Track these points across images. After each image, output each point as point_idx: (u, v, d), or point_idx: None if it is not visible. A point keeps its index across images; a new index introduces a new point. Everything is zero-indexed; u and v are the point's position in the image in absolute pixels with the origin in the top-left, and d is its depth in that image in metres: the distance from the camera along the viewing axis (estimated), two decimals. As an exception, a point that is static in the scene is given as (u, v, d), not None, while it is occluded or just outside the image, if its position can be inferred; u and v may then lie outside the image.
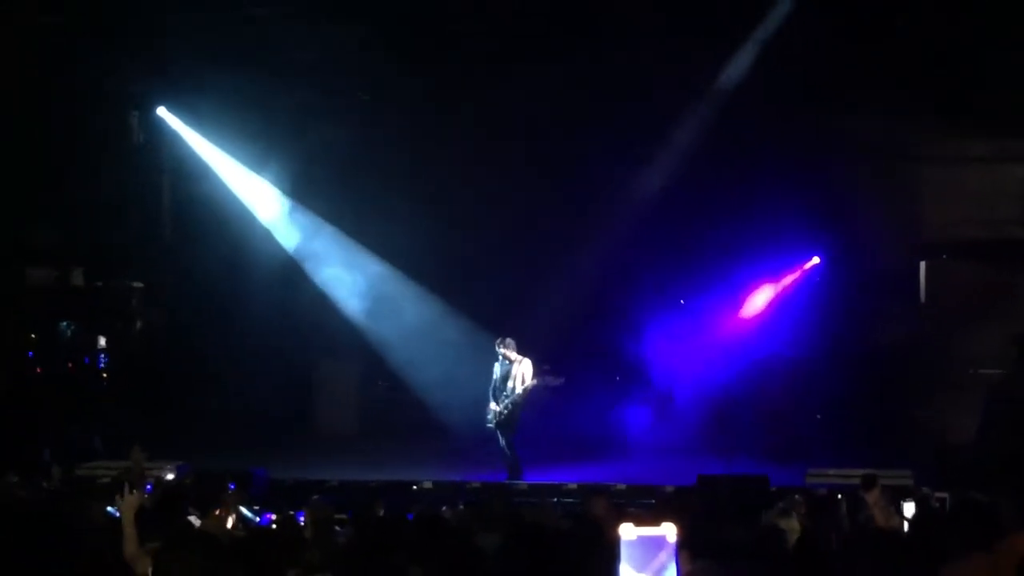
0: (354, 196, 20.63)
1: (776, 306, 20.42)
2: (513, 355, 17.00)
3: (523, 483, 16.67)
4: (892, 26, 18.28)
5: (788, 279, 20.50)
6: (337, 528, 9.43)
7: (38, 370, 20.22)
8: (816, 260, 20.40)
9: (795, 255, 20.34)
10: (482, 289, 20.13)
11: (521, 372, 16.92)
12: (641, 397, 19.98)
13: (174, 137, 21.48)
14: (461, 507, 11.27)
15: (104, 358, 21.06)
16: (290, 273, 21.40)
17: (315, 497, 11.46)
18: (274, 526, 9.24)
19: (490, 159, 20.20)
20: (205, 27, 19.13)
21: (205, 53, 19.51)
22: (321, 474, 16.96)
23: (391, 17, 18.92)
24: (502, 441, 17.09)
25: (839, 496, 11.56)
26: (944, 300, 19.56)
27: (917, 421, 18.76)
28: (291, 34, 19.33)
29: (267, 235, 21.58)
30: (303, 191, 21.40)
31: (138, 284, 21.92)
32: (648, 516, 3.60)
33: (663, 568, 3.56)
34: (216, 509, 9.55)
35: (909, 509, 10.88)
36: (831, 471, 16.05)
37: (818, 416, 19.40)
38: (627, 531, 3.60)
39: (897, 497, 11.37)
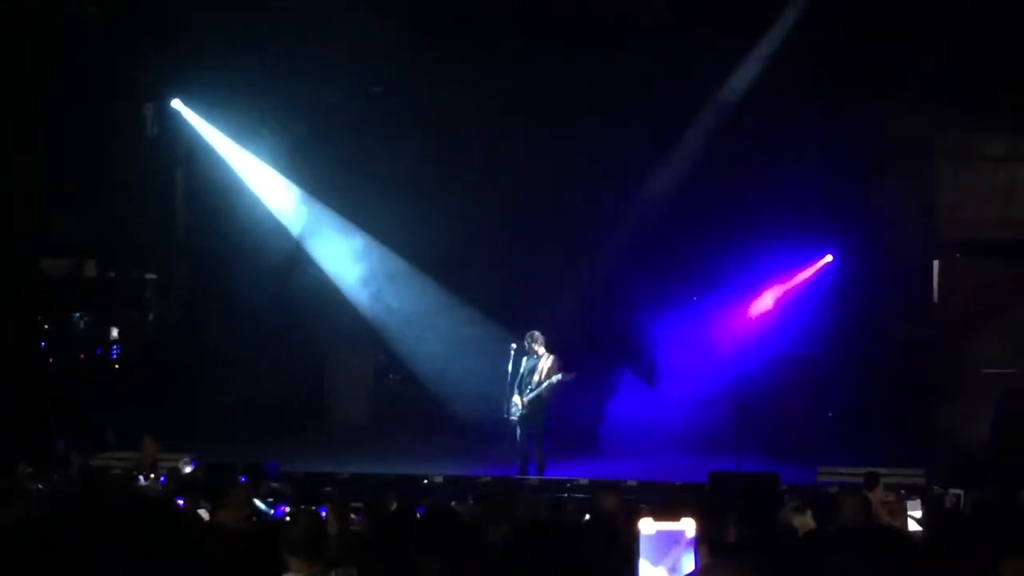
0: (367, 189, 20.59)
1: (788, 304, 20.40)
2: (541, 349, 17.07)
3: (534, 478, 16.69)
4: (909, 23, 18.25)
5: (801, 276, 20.48)
6: (352, 516, 9.44)
7: (51, 361, 20.26)
8: (829, 258, 20.37)
9: (808, 253, 20.31)
10: (496, 283, 20.13)
11: (546, 367, 16.99)
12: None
13: (188, 129, 21.48)
14: (471, 501, 11.28)
15: (117, 349, 21.11)
16: (303, 265, 21.40)
17: (328, 488, 11.50)
18: (287, 519, 9.25)
19: (505, 153, 20.19)
20: (220, 19, 19.18)
21: (220, 45, 19.56)
22: (333, 467, 17.01)
23: (405, 10, 18.96)
24: (520, 435, 17.12)
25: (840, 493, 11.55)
26: (957, 299, 19.52)
27: (929, 420, 18.73)
28: (305, 26, 19.36)
29: (280, 227, 21.58)
30: (316, 183, 21.40)
31: (151, 276, 21.97)
32: (667, 511, 3.59)
33: (679, 561, 3.57)
34: (229, 501, 9.55)
35: (915, 508, 10.89)
36: (842, 469, 16.07)
37: (830, 414, 19.38)
38: (647, 526, 3.61)
39: (906, 496, 11.38)
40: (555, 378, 16.99)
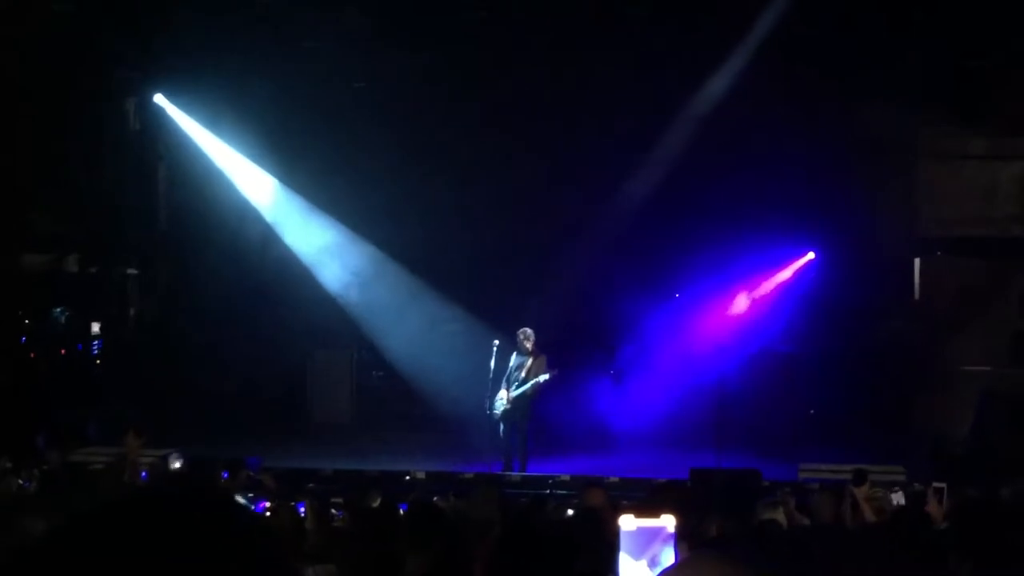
0: (351, 186, 20.59)
1: (769, 301, 20.45)
2: (531, 347, 17.12)
3: (516, 475, 16.72)
4: (891, 22, 18.30)
5: (783, 274, 20.53)
6: (333, 512, 9.44)
7: (32, 355, 20.21)
8: (811, 255, 20.42)
9: (790, 250, 20.37)
10: (479, 280, 20.15)
11: (535, 365, 17.04)
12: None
13: (171, 124, 21.44)
14: (452, 497, 11.30)
15: (98, 344, 21.06)
16: (285, 261, 21.38)
17: (311, 486, 11.50)
18: (268, 514, 9.24)
19: (488, 150, 20.19)
20: (203, 14, 19.14)
21: (203, 41, 19.54)
22: (315, 463, 17.01)
23: (390, 6, 18.96)
24: (503, 431, 17.17)
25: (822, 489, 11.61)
26: (938, 297, 19.59)
27: (910, 417, 18.80)
28: (289, 21, 19.34)
29: (263, 223, 21.56)
30: (299, 180, 21.38)
31: (133, 271, 21.93)
32: (648, 508, 3.61)
33: (659, 555, 3.58)
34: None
35: (899, 499, 10.95)
36: (824, 466, 16.11)
37: (811, 411, 19.44)
38: (627, 522, 3.63)
39: (889, 489, 11.44)
40: (542, 377, 17.04)
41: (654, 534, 3.62)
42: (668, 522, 3.63)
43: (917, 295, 19.91)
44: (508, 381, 17.17)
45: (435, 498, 11.04)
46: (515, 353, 17.27)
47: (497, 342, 17.29)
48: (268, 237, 21.48)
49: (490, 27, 19.22)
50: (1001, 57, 18.29)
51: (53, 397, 19.49)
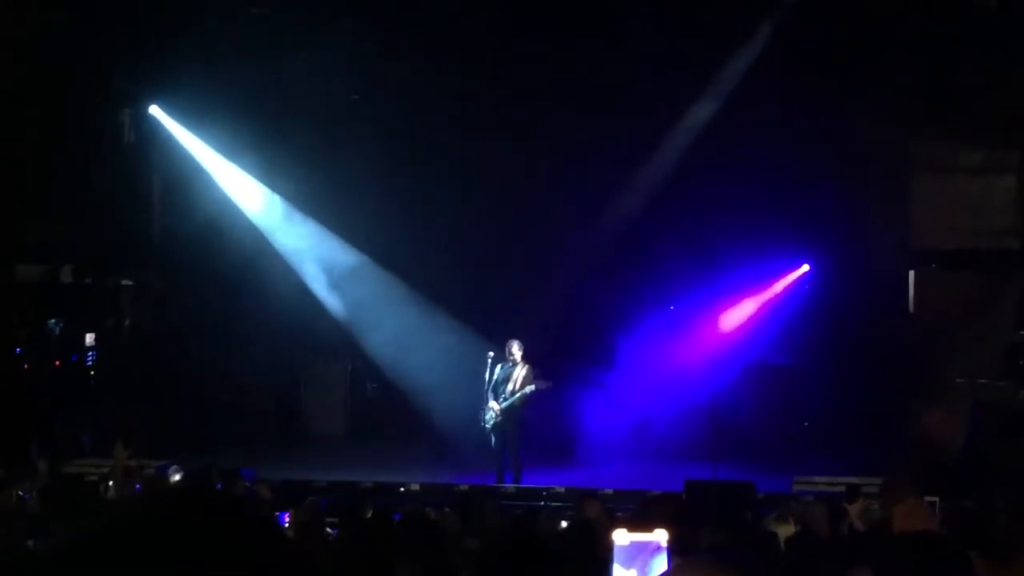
0: (346, 197, 20.60)
1: (764, 314, 20.47)
2: (519, 359, 17.11)
3: (511, 486, 16.71)
4: (885, 34, 18.35)
5: (777, 286, 20.54)
6: (328, 531, 9.43)
7: (26, 366, 20.17)
8: (806, 268, 20.44)
9: (785, 263, 20.39)
10: (474, 291, 20.16)
11: (522, 376, 17.04)
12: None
13: (166, 135, 21.44)
14: (447, 509, 11.28)
15: (92, 355, 21.03)
16: (280, 272, 21.36)
17: (311, 499, 11.48)
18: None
19: (483, 161, 20.22)
20: (199, 26, 19.16)
21: (199, 52, 19.56)
22: (309, 474, 16.99)
23: (384, 16, 18.99)
24: (495, 443, 17.16)
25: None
26: (933, 309, 19.59)
27: (905, 429, 18.79)
28: (284, 33, 19.37)
29: (257, 234, 21.55)
30: (293, 190, 21.38)
31: (127, 282, 21.90)
32: (642, 522, 3.63)
33: (650, 564, 3.60)
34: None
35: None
36: (818, 478, 16.12)
37: (805, 424, 19.43)
38: (620, 536, 3.64)
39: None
40: (528, 389, 17.05)
41: (647, 548, 3.64)
42: (661, 536, 3.64)
43: (911, 307, 19.91)
44: (496, 393, 17.17)
45: (427, 509, 11.03)
46: (500, 365, 17.26)
47: (492, 353, 17.31)
48: (262, 248, 21.45)
49: (485, 35, 19.25)
50: (993, 69, 18.31)
51: (47, 408, 19.44)
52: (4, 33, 18.78)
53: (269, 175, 21.26)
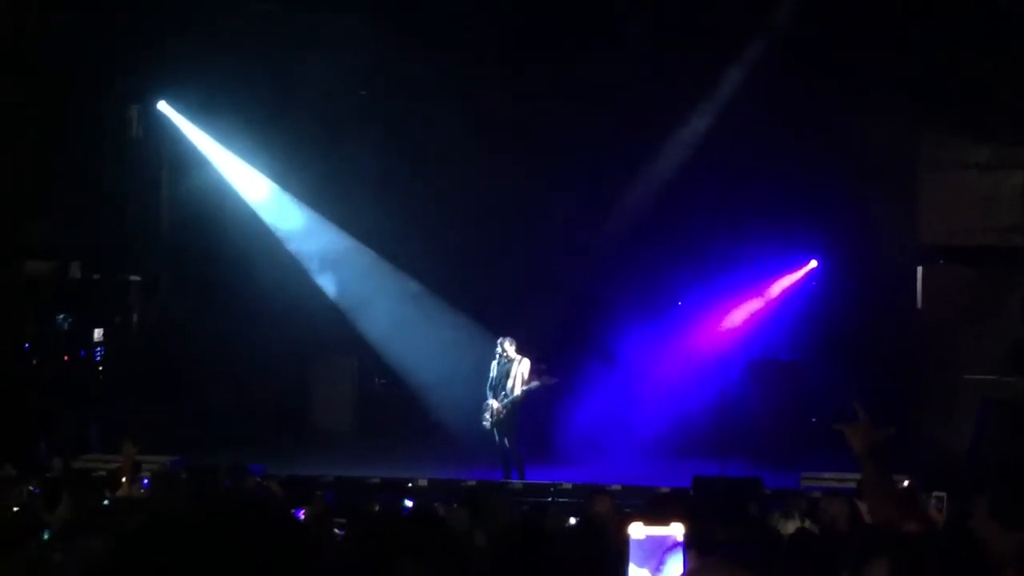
0: (353, 192, 20.61)
1: (772, 310, 20.47)
2: (513, 354, 17.06)
3: (518, 482, 16.71)
4: (892, 30, 18.32)
5: (785, 282, 20.53)
6: (336, 531, 9.42)
7: (34, 362, 20.20)
8: (814, 264, 20.44)
9: (793, 259, 20.37)
10: (480, 287, 20.17)
11: (520, 372, 16.99)
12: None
13: (174, 131, 21.45)
14: (455, 505, 11.28)
15: (100, 351, 21.05)
16: (288, 268, 21.38)
17: (319, 493, 11.48)
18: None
19: (490, 157, 20.21)
20: (207, 21, 19.18)
21: (206, 48, 19.56)
22: (317, 470, 16.99)
23: (391, 13, 19.00)
24: (498, 440, 17.16)
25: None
26: (941, 305, 19.55)
27: (913, 426, 18.76)
28: (291, 29, 19.37)
29: (265, 230, 21.56)
30: (301, 186, 21.39)
31: (135, 278, 21.90)
32: (656, 515, 3.61)
33: (665, 562, 3.58)
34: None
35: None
36: (826, 474, 16.10)
37: (813, 420, 19.41)
38: (636, 530, 3.62)
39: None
40: (533, 384, 17.01)
41: (663, 543, 3.61)
42: (677, 530, 3.62)
43: (919, 303, 19.87)
44: (495, 391, 17.14)
45: (436, 504, 11.03)
46: (495, 362, 17.22)
47: (499, 349, 17.30)
48: (270, 244, 21.47)
49: (490, 32, 19.26)
50: (1002, 65, 18.28)
51: (55, 404, 19.47)
52: (12, 31, 18.80)
53: (277, 171, 21.27)
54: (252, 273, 20.71)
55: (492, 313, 19.38)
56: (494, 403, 17.05)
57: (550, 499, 15.16)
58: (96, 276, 21.30)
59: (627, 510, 8.97)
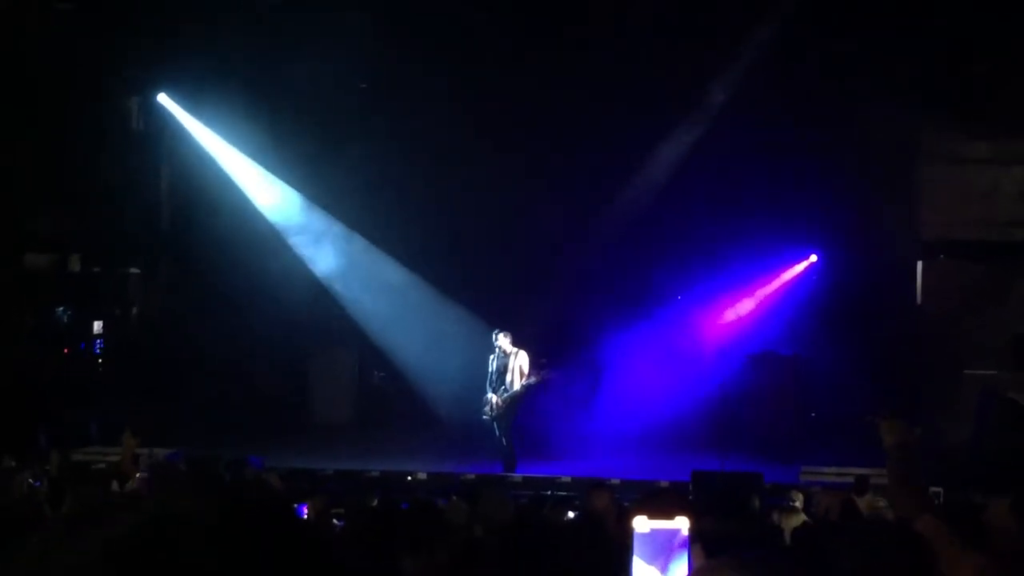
0: (352, 185, 20.59)
1: (772, 304, 20.47)
2: (509, 347, 17.05)
3: (517, 476, 16.71)
4: (894, 25, 18.32)
5: (786, 277, 20.54)
6: (335, 521, 9.42)
7: (34, 355, 20.19)
8: (814, 258, 20.44)
9: (793, 253, 20.38)
10: (479, 281, 20.15)
11: (518, 365, 16.99)
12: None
13: (174, 124, 21.45)
14: (454, 498, 11.27)
15: (100, 344, 21.05)
16: (287, 261, 21.37)
17: (306, 487, 11.48)
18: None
19: (489, 150, 20.19)
20: (207, 14, 19.17)
21: (206, 41, 19.57)
22: (316, 463, 17.00)
23: (391, 7, 19.00)
24: (498, 433, 17.16)
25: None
26: (941, 300, 19.57)
27: (913, 420, 18.73)
28: (292, 22, 19.35)
29: (265, 223, 21.56)
30: (300, 179, 21.40)
31: (135, 271, 21.92)
32: (660, 510, 3.58)
33: (672, 560, 3.55)
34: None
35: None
36: (826, 469, 16.12)
37: (813, 414, 19.41)
38: (641, 524, 3.59)
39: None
40: (531, 380, 17.00)
41: (668, 537, 3.58)
42: (682, 524, 3.59)
43: (919, 298, 19.89)
44: (493, 385, 17.13)
45: (440, 500, 11.02)
46: (493, 356, 17.22)
47: (496, 342, 17.30)
48: (270, 236, 21.47)
49: (490, 29, 19.26)
50: (1003, 60, 18.28)
51: (55, 396, 19.47)
52: (12, 23, 18.79)
53: (276, 163, 21.28)
54: (252, 266, 20.71)
55: (491, 307, 19.37)
56: (493, 397, 17.05)
57: (549, 492, 15.14)
58: (96, 269, 21.32)
59: (626, 504, 8.96)
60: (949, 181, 19.68)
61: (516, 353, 17.08)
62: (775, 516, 9.31)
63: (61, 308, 20.73)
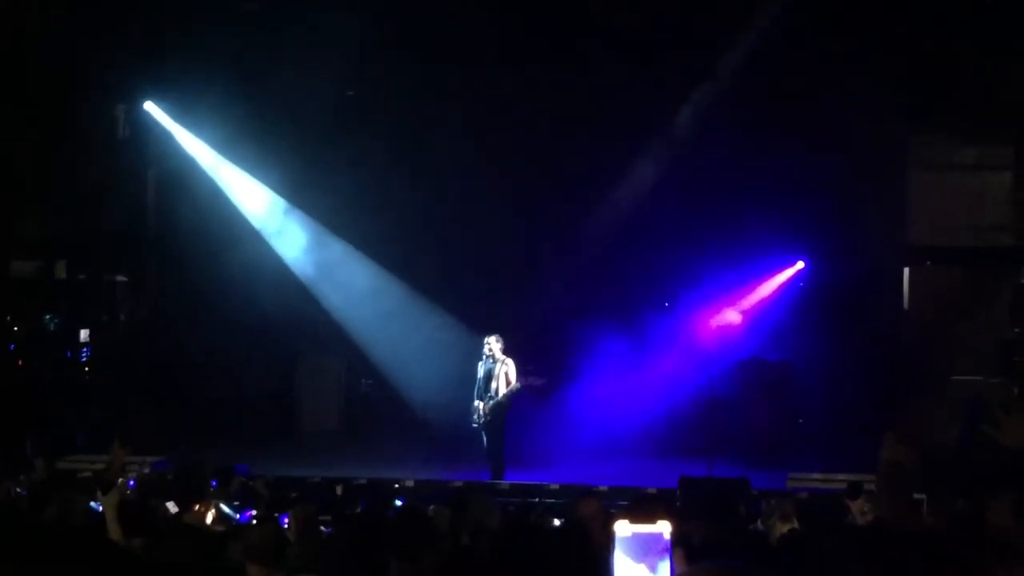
0: (339, 192, 20.56)
1: (759, 311, 20.48)
2: (499, 354, 17.03)
3: (505, 483, 16.69)
4: (880, 30, 18.35)
5: (773, 283, 20.54)
6: (323, 528, 9.40)
7: (20, 362, 20.13)
8: (800, 264, 20.45)
9: (780, 259, 20.39)
10: (469, 288, 20.14)
11: (504, 372, 16.97)
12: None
13: (160, 130, 21.42)
14: (433, 507, 11.25)
15: (87, 351, 20.99)
16: (274, 269, 21.34)
17: (293, 495, 11.45)
18: (254, 522, 9.20)
19: (476, 158, 20.19)
20: (193, 21, 19.15)
21: (193, 47, 19.55)
22: (303, 471, 16.97)
23: (377, 12, 19.00)
24: (485, 441, 17.14)
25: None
26: (928, 306, 19.59)
27: (899, 426, 18.75)
28: (277, 29, 19.35)
29: (252, 230, 21.53)
30: (287, 186, 21.37)
31: (122, 277, 21.87)
32: (642, 514, 3.59)
33: (656, 565, 3.56)
34: (196, 504, 9.53)
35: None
36: (812, 475, 16.14)
37: (800, 420, 19.43)
38: (622, 528, 3.59)
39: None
40: (515, 387, 16.98)
41: (650, 541, 3.59)
42: (664, 528, 3.59)
43: (906, 304, 19.91)
44: (480, 392, 17.12)
45: (431, 507, 11.00)
46: (481, 363, 17.21)
47: (486, 348, 17.28)
48: (256, 243, 21.44)
49: (475, 36, 19.27)
50: (990, 66, 18.32)
51: (42, 403, 19.41)
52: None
53: (263, 170, 21.25)
54: (238, 273, 20.68)
55: (479, 314, 19.35)
56: (480, 404, 17.04)
57: (537, 500, 15.14)
58: (82, 276, 21.25)
59: (613, 511, 8.96)
60: (936, 187, 19.71)
61: (504, 360, 17.06)
62: (760, 523, 9.31)
63: (48, 315, 20.66)
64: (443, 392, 19.21)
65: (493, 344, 17.08)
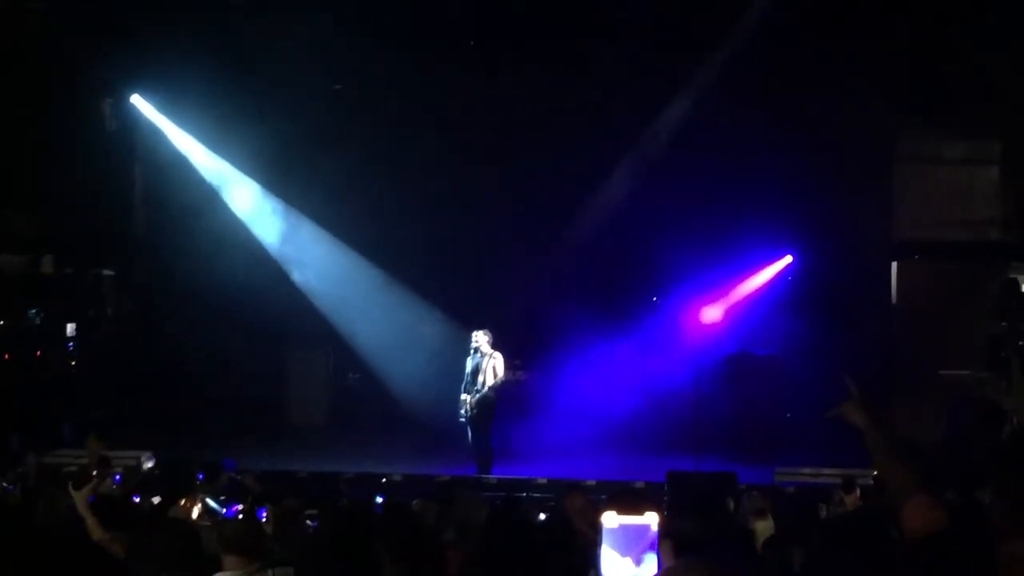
0: (327, 186, 20.53)
1: (747, 305, 20.47)
2: (486, 348, 17.01)
3: (492, 477, 16.67)
4: (869, 26, 18.35)
5: (761, 278, 20.54)
6: (308, 523, 9.37)
7: (6, 357, 20.06)
8: (788, 259, 20.45)
9: (768, 254, 20.38)
10: (456, 282, 20.14)
11: (492, 366, 16.94)
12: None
13: (147, 124, 21.36)
14: (416, 501, 11.22)
15: (73, 346, 20.93)
16: (261, 263, 21.30)
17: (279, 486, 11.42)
18: (241, 517, 9.18)
19: (463, 151, 20.19)
20: (180, 15, 19.10)
21: (180, 41, 19.49)
22: (291, 465, 16.92)
23: (363, 8, 18.97)
24: (471, 435, 17.11)
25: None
26: (916, 300, 19.61)
27: (886, 421, 18.74)
28: (265, 22, 19.30)
29: (239, 224, 21.49)
30: (275, 180, 21.34)
31: (109, 272, 21.82)
32: (629, 505, 3.56)
33: (643, 556, 3.53)
34: (183, 499, 9.51)
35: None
36: (801, 469, 16.14)
37: (788, 415, 19.42)
38: (609, 519, 3.57)
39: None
40: (499, 380, 16.97)
41: (637, 533, 3.57)
42: (652, 520, 3.57)
43: (894, 298, 19.93)
44: (467, 386, 17.10)
45: (415, 502, 10.97)
46: (469, 357, 17.19)
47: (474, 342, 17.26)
48: (244, 238, 21.40)
49: (462, 31, 19.27)
50: (979, 61, 18.32)
51: (28, 398, 19.34)
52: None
53: (250, 164, 21.20)
54: (225, 267, 20.63)
55: (466, 308, 19.33)
56: (467, 398, 17.02)
57: (524, 494, 15.11)
58: (69, 270, 21.19)
59: (602, 497, 8.93)
60: (924, 181, 19.74)
61: (492, 354, 17.04)
62: (747, 520, 9.31)
63: (33, 310, 20.58)
64: (431, 386, 19.20)
65: (481, 338, 17.06)
